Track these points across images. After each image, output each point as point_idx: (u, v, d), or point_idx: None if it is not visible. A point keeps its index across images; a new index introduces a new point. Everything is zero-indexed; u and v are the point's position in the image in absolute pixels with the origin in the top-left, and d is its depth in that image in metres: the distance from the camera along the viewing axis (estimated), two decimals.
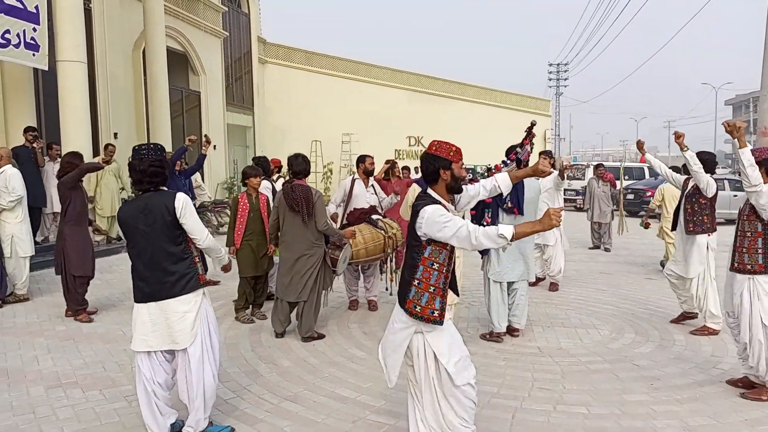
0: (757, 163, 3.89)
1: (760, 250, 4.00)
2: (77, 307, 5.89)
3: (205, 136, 8.02)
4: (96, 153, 11.20)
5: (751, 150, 3.88)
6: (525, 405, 3.88)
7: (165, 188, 3.33)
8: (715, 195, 5.44)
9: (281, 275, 5.35)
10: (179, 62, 16.95)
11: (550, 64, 59.19)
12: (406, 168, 12.46)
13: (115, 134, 13.04)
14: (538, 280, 7.61)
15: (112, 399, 3.92)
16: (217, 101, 18.74)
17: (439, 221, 2.74)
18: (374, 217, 6.17)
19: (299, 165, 5.33)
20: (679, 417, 3.71)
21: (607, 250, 11.01)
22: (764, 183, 3.90)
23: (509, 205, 5.18)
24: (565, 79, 58.63)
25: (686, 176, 5.88)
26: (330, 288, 5.70)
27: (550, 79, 58.87)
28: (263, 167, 6.82)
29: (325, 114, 24.61)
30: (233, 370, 4.50)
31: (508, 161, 5.25)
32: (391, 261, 6.37)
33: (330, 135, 24.37)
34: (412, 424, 3.03)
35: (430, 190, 2.97)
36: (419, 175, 3.66)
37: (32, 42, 9.06)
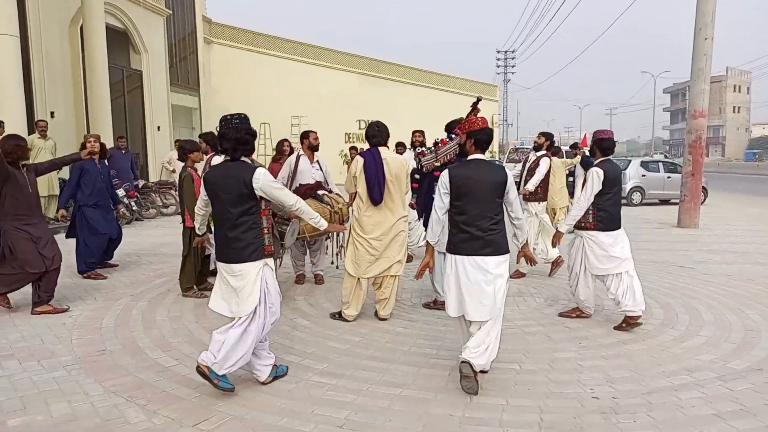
0: (467, 134, 4.00)
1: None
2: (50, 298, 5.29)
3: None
4: (31, 132, 10.78)
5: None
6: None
7: (248, 159, 3.54)
8: (548, 172, 7.04)
9: None
10: (119, 40, 16.37)
11: (498, 51, 60.11)
12: (354, 148, 12.61)
13: (52, 113, 12.55)
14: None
15: (51, 369, 3.88)
16: (161, 81, 18.22)
17: None
18: (320, 192, 6.22)
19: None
20: (603, 371, 3.98)
21: None
22: (473, 153, 4.05)
23: None
24: (513, 66, 59.73)
25: (531, 149, 7.29)
26: (279, 262, 5.72)
27: (498, 66, 59.86)
28: (212, 143, 6.75)
29: (274, 96, 24.30)
30: (176, 341, 4.51)
31: (453, 135, 5.39)
32: (338, 235, 6.44)
33: (279, 117, 24.08)
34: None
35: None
36: None
37: None
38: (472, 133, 3.80)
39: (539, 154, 7.09)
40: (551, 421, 3.21)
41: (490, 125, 4.04)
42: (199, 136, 6.98)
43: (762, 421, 3.24)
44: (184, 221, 5.88)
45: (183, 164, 6.03)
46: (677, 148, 76.45)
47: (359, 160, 4.96)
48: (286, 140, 7.17)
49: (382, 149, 5.02)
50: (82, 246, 6.76)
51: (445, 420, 3.22)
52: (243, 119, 3.49)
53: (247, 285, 3.43)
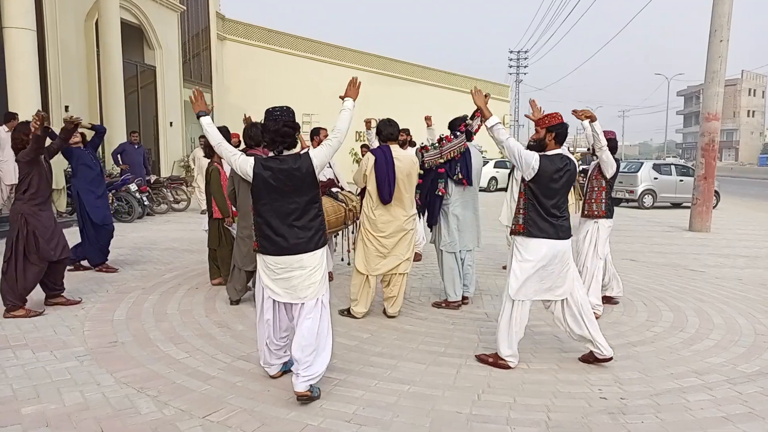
0: (547, 129, 4.05)
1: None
2: (16, 301, 4.91)
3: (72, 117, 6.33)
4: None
5: (539, 118, 4.23)
6: (470, 362, 4.08)
7: (294, 151, 3.46)
8: None
9: (239, 245, 5.39)
10: (134, 35, 16.50)
11: (511, 51, 59.81)
12: (365, 146, 12.63)
13: (66, 107, 12.67)
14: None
15: (64, 359, 3.93)
16: (174, 77, 18.35)
17: None
18: (334, 190, 6.23)
19: (252, 133, 5.37)
20: (612, 371, 3.97)
21: None
22: (553, 149, 4.04)
23: (459, 176, 5.32)
24: (525, 66, 59.40)
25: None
26: None
27: (510, 66, 59.55)
28: (224, 137, 6.80)
29: (285, 93, 24.26)
30: (186, 333, 4.55)
31: (458, 133, 5.40)
32: (352, 233, 6.45)
33: None
34: None
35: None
36: None
37: None
38: (552, 127, 3.97)
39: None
40: (558, 420, 3.22)
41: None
42: None
43: None
44: (211, 214, 5.93)
45: (209, 161, 6.13)
46: (690, 152, 75.76)
47: (370, 158, 4.96)
48: None
49: (393, 147, 5.02)
50: (92, 238, 6.70)
51: (453, 417, 3.24)
52: (285, 111, 3.45)
53: (317, 269, 3.44)
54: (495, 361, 4.00)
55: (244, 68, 24.16)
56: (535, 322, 5.10)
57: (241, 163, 3.42)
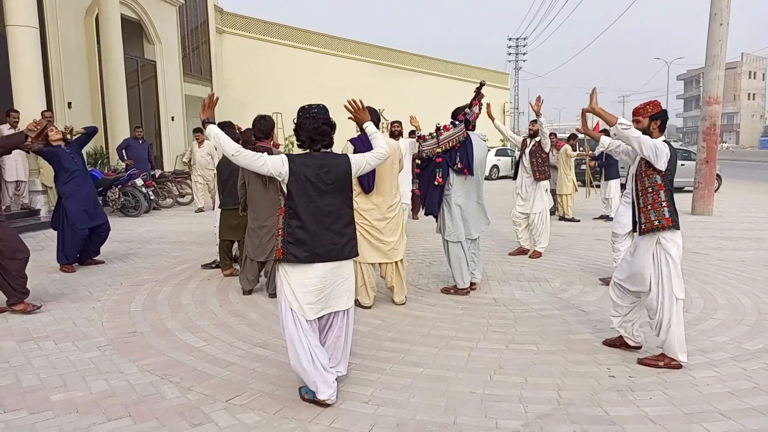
0: (650, 118, 3.88)
1: (664, 204, 3.77)
2: (20, 295, 4.95)
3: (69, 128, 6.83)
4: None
5: (637, 107, 4.00)
6: (480, 345, 4.18)
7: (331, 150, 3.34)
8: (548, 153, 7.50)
9: (251, 236, 5.49)
10: (133, 30, 16.50)
11: (510, 39, 59.58)
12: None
13: (69, 104, 12.73)
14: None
15: (86, 349, 4.04)
16: (174, 71, 18.36)
17: None
18: None
19: (262, 126, 5.45)
20: (619, 352, 4.07)
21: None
22: (657, 137, 3.89)
23: (459, 165, 5.34)
24: (524, 54, 59.19)
25: (527, 136, 7.73)
26: None
27: (509, 54, 59.34)
28: (230, 133, 6.88)
29: (286, 86, 24.38)
30: (202, 323, 4.66)
31: (457, 122, 5.45)
32: None
33: (291, 107, 23.48)
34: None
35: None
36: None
37: None
38: (656, 115, 3.85)
39: (537, 139, 7.44)
40: (569, 398, 3.32)
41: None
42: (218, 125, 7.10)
43: None
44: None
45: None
46: (691, 136, 75.69)
47: (350, 147, 4.86)
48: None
49: None
50: (61, 238, 6.50)
51: (467, 397, 3.34)
52: (321, 109, 3.26)
53: (348, 280, 3.31)
54: (667, 363, 3.81)
55: (245, 61, 24.16)
56: (541, 305, 5.22)
57: (273, 164, 3.11)
